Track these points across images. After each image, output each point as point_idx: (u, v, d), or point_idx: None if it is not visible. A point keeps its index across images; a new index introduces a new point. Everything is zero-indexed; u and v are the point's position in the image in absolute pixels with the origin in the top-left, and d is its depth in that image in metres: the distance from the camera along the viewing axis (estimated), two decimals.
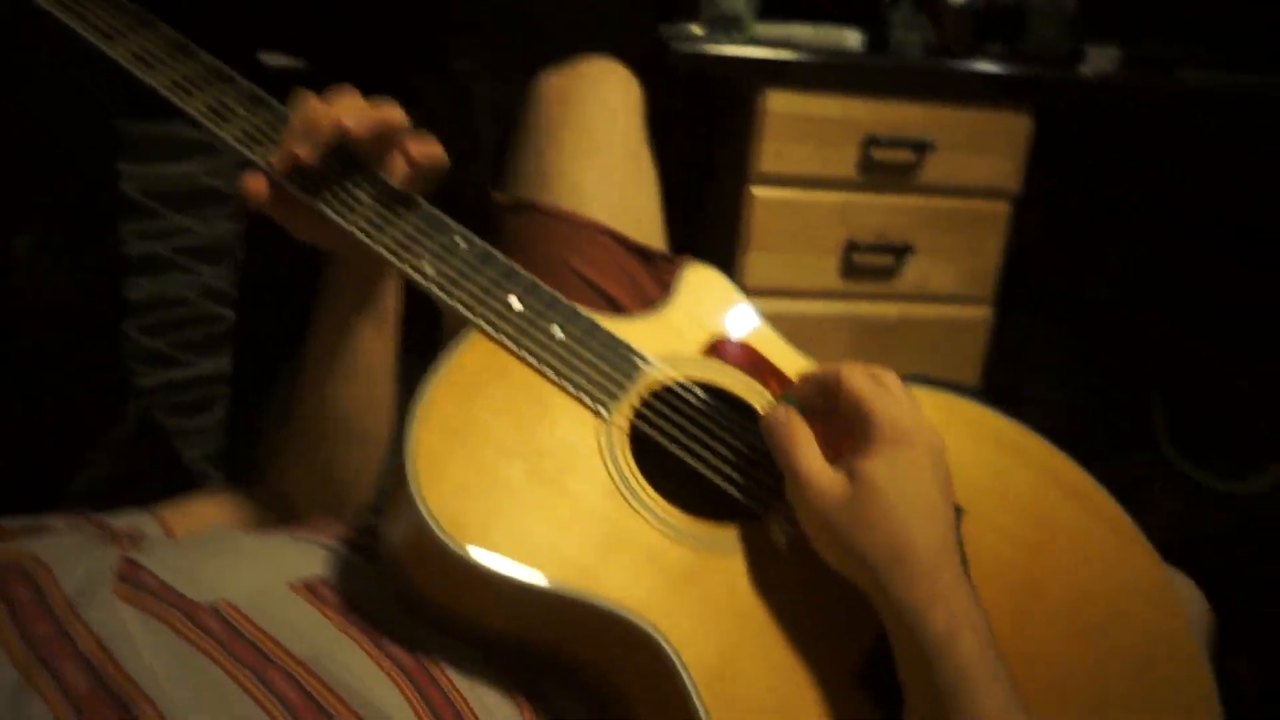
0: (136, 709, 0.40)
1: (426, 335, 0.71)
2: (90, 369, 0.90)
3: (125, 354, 0.96)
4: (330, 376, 0.64)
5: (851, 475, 0.49)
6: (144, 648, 0.44)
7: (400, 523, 0.50)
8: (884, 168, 1.19)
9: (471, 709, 0.47)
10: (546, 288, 0.59)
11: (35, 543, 0.50)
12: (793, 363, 0.64)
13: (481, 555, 0.46)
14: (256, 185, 0.56)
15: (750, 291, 0.67)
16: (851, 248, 1.22)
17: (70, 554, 0.49)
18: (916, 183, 1.21)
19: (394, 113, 0.57)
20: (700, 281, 0.67)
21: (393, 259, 0.56)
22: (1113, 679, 0.55)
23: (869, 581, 0.48)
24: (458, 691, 0.47)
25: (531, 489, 0.50)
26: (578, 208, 0.82)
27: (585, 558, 0.48)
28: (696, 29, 1.17)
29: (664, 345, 0.60)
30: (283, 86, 0.60)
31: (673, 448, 0.56)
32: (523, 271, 0.59)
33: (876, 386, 0.51)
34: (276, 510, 0.65)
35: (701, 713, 0.46)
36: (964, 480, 0.57)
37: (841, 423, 0.52)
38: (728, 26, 1.17)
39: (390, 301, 0.65)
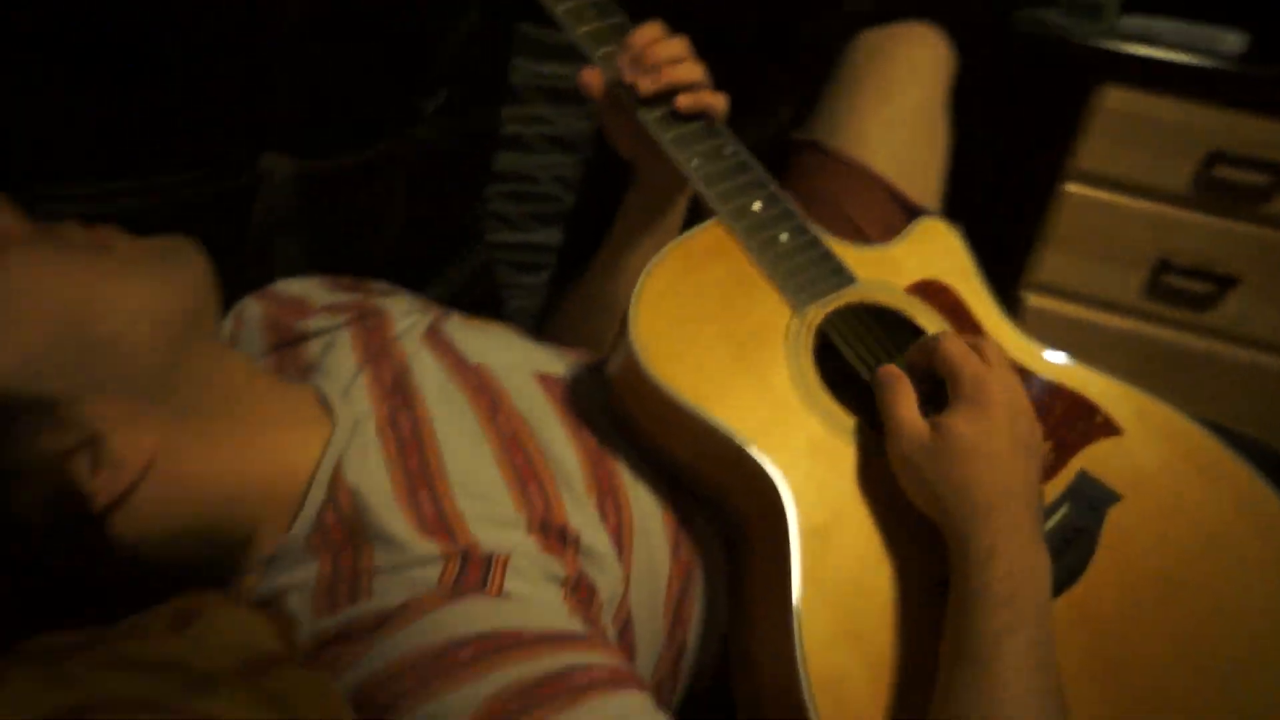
0: (416, 405, 0.58)
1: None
2: (456, 215, 1.15)
3: (482, 212, 1.21)
4: (612, 270, 0.78)
5: (934, 426, 0.55)
6: (427, 373, 0.62)
7: (619, 353, 0.63)
8: (1224, 187, 1.11)
9: (628, 497, 0.60)
10: (786, 199, 0.69)
11: (387, 299, 0.71)
12: (996, 325, 0.68)
13: (668, 387, 0.58)
14: (591, 78, 0.71)
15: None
16: (1163, 267, 1.16)
17: (403, 309, 0.69)
18: (1261, 212, 1.12)
19: (698, 71, 0.70)
20: (932, 231, 0.73)
21: (670, 149, 0.69)
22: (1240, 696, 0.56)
23: (938, 513, 0.54)
24: (622, 482, 0.60)
25: (720, 347, 0.61)
26: (860, 153, 0.90)
27: (748, 411, 0.59)
28: (1053, 13, 1.17)
29: (876, 272, 0.68)
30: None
31: (845, 351, 0.64)
32: (770, 184, 0.69)
33: (968, 353, 0.57)
34: None
35: (796, 558, 0.55)
36: (1141, 478, 0.61)
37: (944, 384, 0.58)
38: (1087, 13, 1.15)
39: (672, 222, 0.78)
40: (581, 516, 0.56)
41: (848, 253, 0.69)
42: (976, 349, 0.58)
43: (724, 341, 0.62)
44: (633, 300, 0.62)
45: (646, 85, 0.67)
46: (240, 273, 0.73)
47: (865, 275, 0.67)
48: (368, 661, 0.46)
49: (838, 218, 0.88)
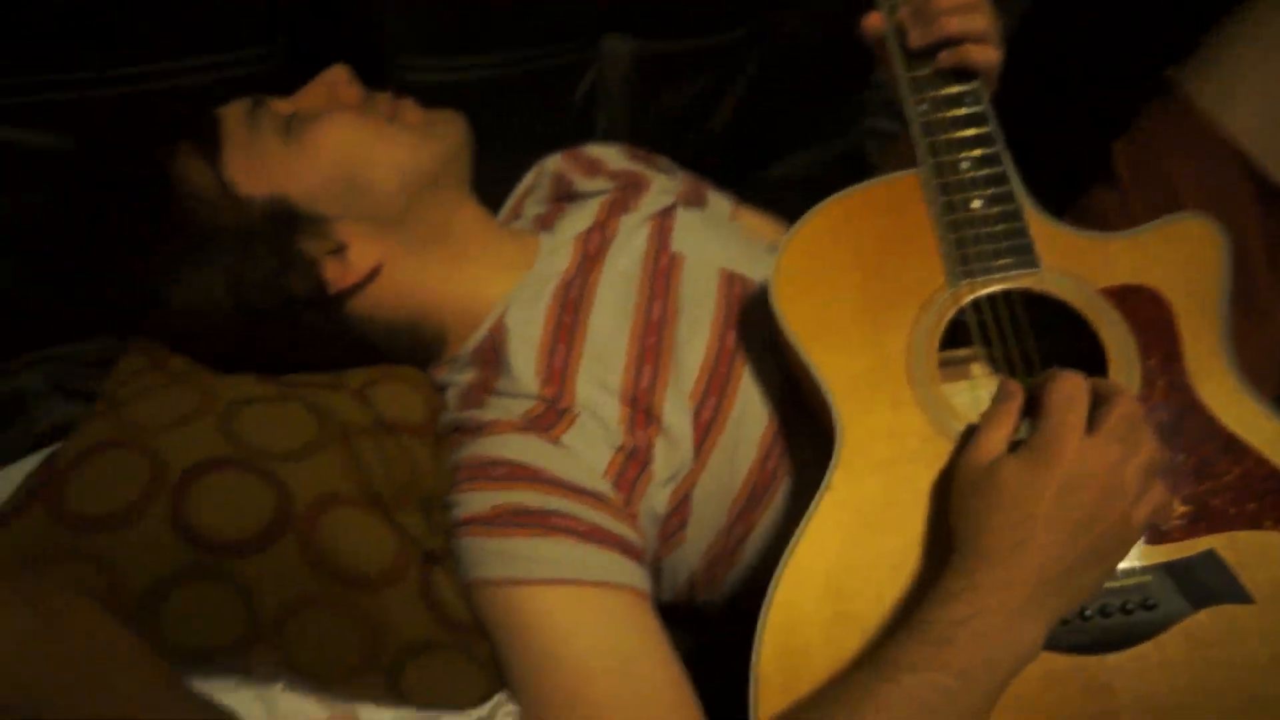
0: (594, 273, 0.72)
1: None
2: (825, 103, 1.19)
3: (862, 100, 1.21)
4: None
5: (997, 462, 0.51)
6: (623, 251, 0.74)
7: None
8: None
9: (733, 400, 0.67)
10: (1008, 165, 0.64)
11: (662, 175, 0.85)
12: (1205, 360, 0.58)
13: (783, 315, 0.63)
14: (871, 23, 0.70)
15: None
16: None
17: (663, 187, 0.82)
18: None
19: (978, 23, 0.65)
20: (1186, 232, 0.62)
21: (905, 88, 0.67)
22: None
23: (955, 538, 0.52)
24: (736, 385, 0.67)
25: (851, 297, 0.63)
26: (1221, 110, 0.75)
27: (847, 365, 0.61)
28: None
29: (1070, 263, 0.62)
30: None
31: (977, 345, 0.61)
32: (996, 145, 0.64)
33: (1070, 406, 0.51)
34: None
35: (813, 511, 0.57)
36: None
37: None
38: None
39: None
40: (675, 403, 0.65)
41: (1051, 233, 0.63)
42: (1101, 401, 0.52)
43: (857, 292, 0.63)
44: (791, 230, 0.65)
45: (915, 38, 0.66)
46: (559, 139, 0.91)
47: (1054, 263, 0.61)
48: (459, 452, 0.64)
49: (1155, 185, 0.76)
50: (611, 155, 0.90)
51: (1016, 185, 0.64)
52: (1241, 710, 0.51)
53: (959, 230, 0.63)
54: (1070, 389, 0.52)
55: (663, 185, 0.84)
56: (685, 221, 0.78)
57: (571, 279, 0.72)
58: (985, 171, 0.64)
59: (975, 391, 0.64)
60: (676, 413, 0.65)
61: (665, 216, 0.78)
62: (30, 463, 0.61)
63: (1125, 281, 0.61)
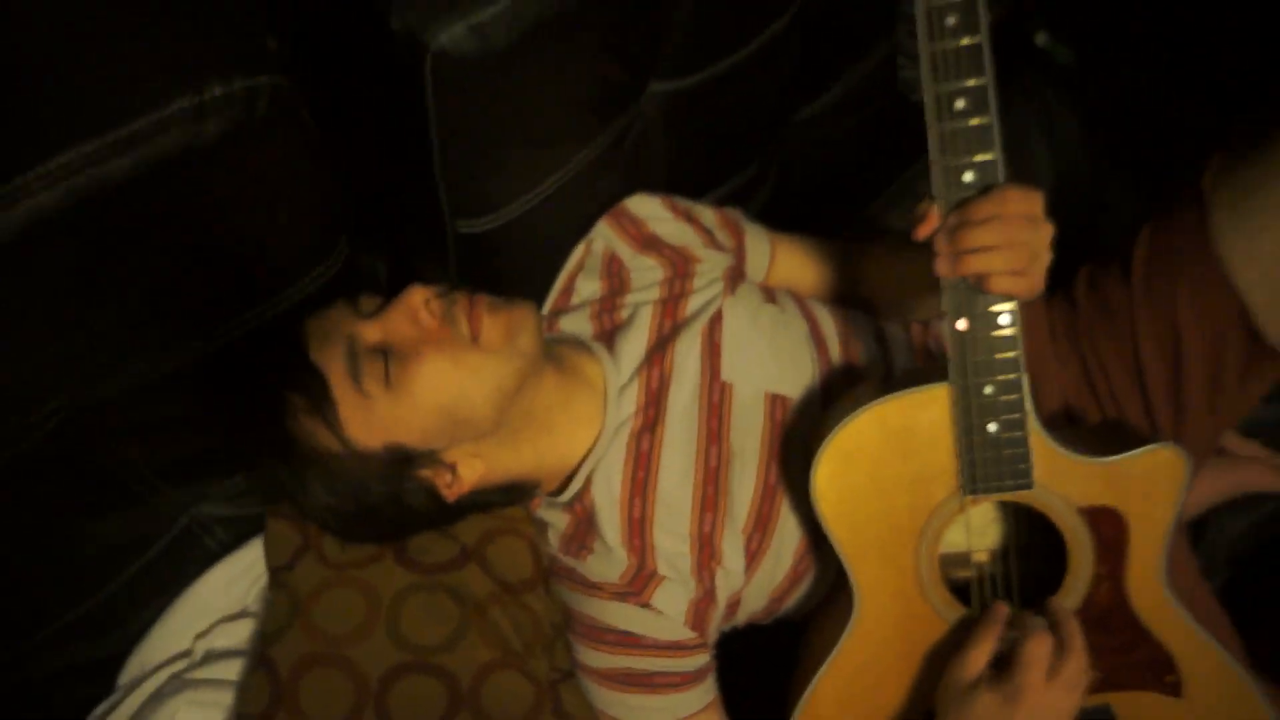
0: (659, 426, 0.85)
1: None
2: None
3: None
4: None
5: (976, 687, 0.71)
6: (682, 389, 0.85)
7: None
8: None
9: (775, 531, 0.84)
10: (1023, 389, 0.73)
11: (697, 263, 0.92)
12: (1143, 573, 0.76)
13: (817, 496, 0.78)
14: (924, 223, 0.66)
15: None
16: None
17: (706, 279, 0.91)
18: None
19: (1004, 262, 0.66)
20: (1155, 460, 0.74)
21: (945, 296, 0.72)
22: None
23: None
24: (777, 517, 0.84)
25: (880, 492, 0.77)
26: (1236, 261, 0.81)
27: (872, 556, 0.78)
28: None
29: (1060, 483, 0.75)
30: None
31: (975, 556, 0.78)
32: (1018, 370, 0.72)
33: (1041, 663, 0.70)
34: None
35: (836, 650, 0.80)
36: None
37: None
38: None
39: None
40: (731, 542, 0.83)
41: (1049, 454, 0.75)
42: (1062, 650, 0.70)
43: (885, 487, 0.77)
44: (837, 428, 0.76)
45: (941, 267, 0.67)
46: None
47: (1044, 480, 0.75)
48: (571, 596, 0.84)
49: (1161, 300, 0.85)
50: (655, 215, 0.93)
51: (1029, 408, 0.75)
52: None
53: (973, 450, 0.76)
54: (1039, 650, 0.71)
55: (707, 270, 0.90)
56: (732, 330, 0.87)
57: (640, 430, 0.84)
58: (1005, 398, 0.74)
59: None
60: (733, 548, 0.83)
61: (713, 329, 0.87)
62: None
63: (1097, 503, 0.76)
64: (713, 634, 0.85)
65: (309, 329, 0.76)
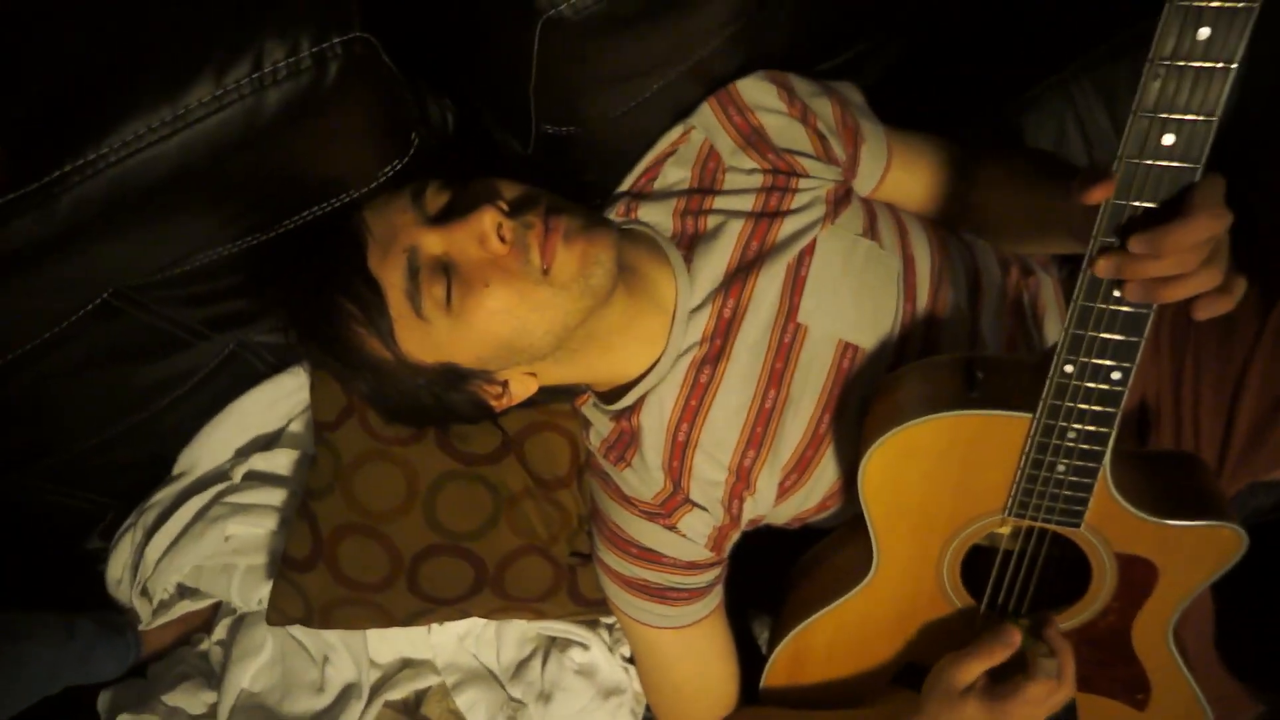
0: (722, 360, 0.81)
1: None
2: None
3: None
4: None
5: (970, 692, 0.76)
6: (755, 323, 0.81)
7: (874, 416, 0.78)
8: None
9: (813, 473, 0.84)
10: (1108, 444, 0.69)
11: (803, 168, 0.83)
12: (1149, 621, 0.77)
13: (863, 478, 0.77)
14: (1093, 190, 0.57)
15: None
16: None
17: (809, 196, 0.82)
18: None
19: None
20: (1215, 537, 0.72)
21: (1070, 320, 0.65)
22: None
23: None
24: (819, 461, 0.84)
25: (928, 489, 0.76)
26: None
27: (903, 535, 0.79)
28: None
29: (1106, 528, 0.74)
30: None
31: (999, 563, 0.79)
32: (1111, 424, 0.68)
33: (1040, 695, 0.73)
34: None
35: (845, 595, 0.85)
36: None
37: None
38: None
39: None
40: (768, 478, 0.84)
41: (1106, 502, 0.73)
42: (1056, 685, 0.73)
43: (939, 485, 0.76)
44: (902, 425, 0.74)
45: (1131, 291, 0.58)
46: None
47: (1093, 523, 0.74)
48: (602, 498, 0.86)
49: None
50: (768, 105, 0.81)
51: (1107, 461, 0.71)
52: None
53: (1035, 482, 0.73)
54: (1039, 691, 0.73)
55: (811, 186, 0.81)
56: (820, 267, 0.80)
57: (703, 360, 0.81)
58: (1086, 446, 0.71)
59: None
60: (767, 483, 0.84)
61: (801, 263, 0.80)
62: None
63: (1138, 553, 0.75)
64: (729, 548, 0.89)
65: (370, 225, 0.70)
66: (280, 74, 0.47)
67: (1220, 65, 0.53)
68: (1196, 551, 0.74)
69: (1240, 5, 0.51)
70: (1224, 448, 0.86)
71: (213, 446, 0.90)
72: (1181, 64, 0.54)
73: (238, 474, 0.88)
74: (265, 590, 0.84)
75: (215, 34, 0.45)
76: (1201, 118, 0.55)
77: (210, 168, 0.51)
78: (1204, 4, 0.52)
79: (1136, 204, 0.58)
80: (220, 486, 0.87)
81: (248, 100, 0.47)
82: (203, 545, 0.84)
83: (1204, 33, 0.53)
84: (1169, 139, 0.56)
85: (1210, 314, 0.61)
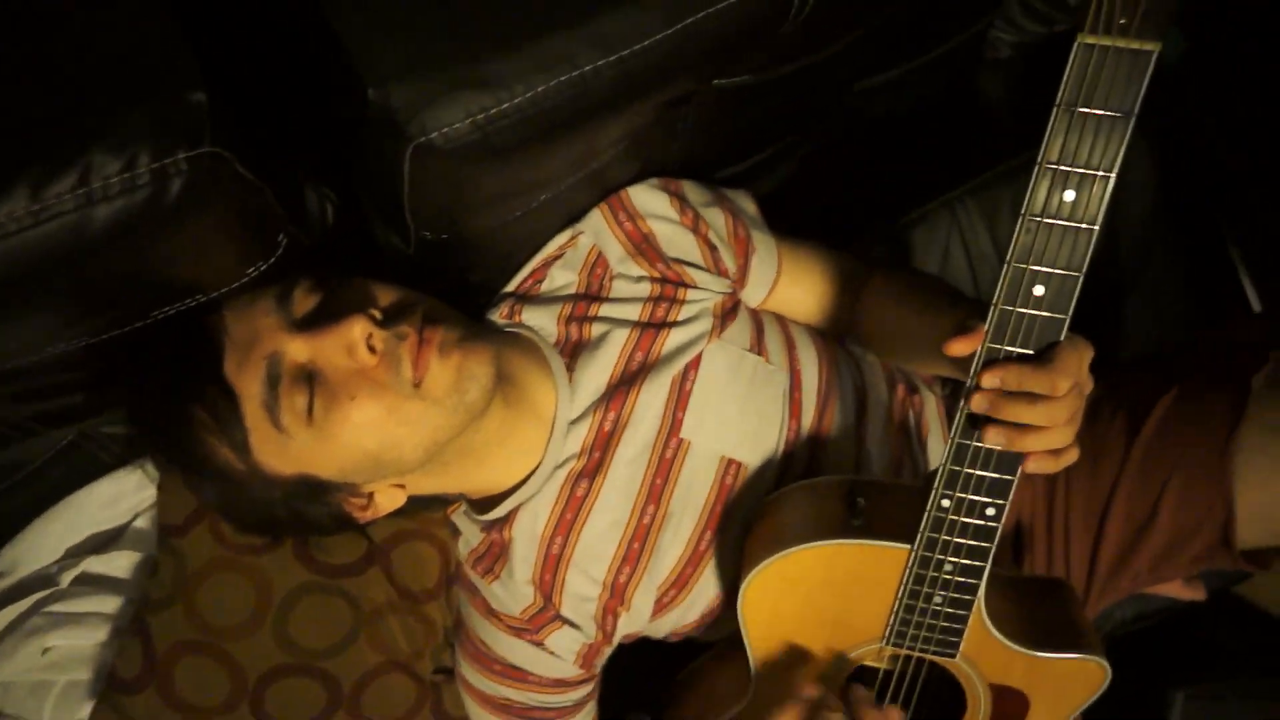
0: (599, 476, 0.78)
1: None
2: None
3: None
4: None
5: None
6: (634, 439, 0.78)
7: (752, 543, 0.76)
8: None
9: (693, 591, 0.82)
10: (983, 578, 0.69)
11: (687, 285, 0.81)
12: None
13: (744, 599, 0.75)
14: (959, 344, 0.60)
15: None
16: None
17: (695, 309, 0.80)
18: None
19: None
20: (1081, 670, 0.73)
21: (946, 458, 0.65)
22: None
23: None
24: (698, 579, 0.81)
25: (801, 612, 0.75)
26: (1241, 474, 0.76)
27: (776, 657, 0.77)
28: None
29: (980, 659, 0.74)
30: None
31: (877, 690, 0.78)
32: (985, 559, 0.68)
33: None
34: None
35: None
36: None
37: None
38: None
39: None
40: (644, 594, 0.81)
41: (981, 635, 0.72)
42: None
43: (818, 611, 0.74)
44: (785, 551, 0.72)
45: (979, 401, 0.60)
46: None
47: (968, 654, 0.74)
48: (468, 612, 0.81)
49: (1160, 467, 0.80)
50: (659, 213, 0.80)
51: (981, 594, 0.71)
52: None
53: (912, 613, 0.73)
54: None
55: (699, 299, 0.79)
56: (706, 382, 0.78)
57: (580, 474, 0.78)
58: (961, 579, 0.70)
59: None
60: (643, 600, 0.81)
61: (686, 377, 0.78)
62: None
63: (1009, 684, 0.75)
64: (600, 664, 0.85)
65: (229, 327, 0.65)
66: (112, 190, 0.42)
67: (1084, 226, 0.56)
68: (1064, 685, 0.75)
69: (1099, 174, 0.53)
70: (1091, 569, 0.88)
71: (39, 545, 0.81)
72: (1050, 221, 0.56)
73: (65, 578, 0.79)
74: (84, 713, 0.76)
75: (37, 144, 0.41)
76: (1070, 272, 0.57)
77: (35, 279, 0.46)
78: (1069, 168, 0.54)
79: (1011, 349, 0.60)
80: (43, 593, 0.78)
81: (68, 216, 0.42)
82: (16, 661, 0.75)
83: (1069, 195, 0.55)
84: (1039, 289, 0.58)
85: (1040, 471, 0.62)
